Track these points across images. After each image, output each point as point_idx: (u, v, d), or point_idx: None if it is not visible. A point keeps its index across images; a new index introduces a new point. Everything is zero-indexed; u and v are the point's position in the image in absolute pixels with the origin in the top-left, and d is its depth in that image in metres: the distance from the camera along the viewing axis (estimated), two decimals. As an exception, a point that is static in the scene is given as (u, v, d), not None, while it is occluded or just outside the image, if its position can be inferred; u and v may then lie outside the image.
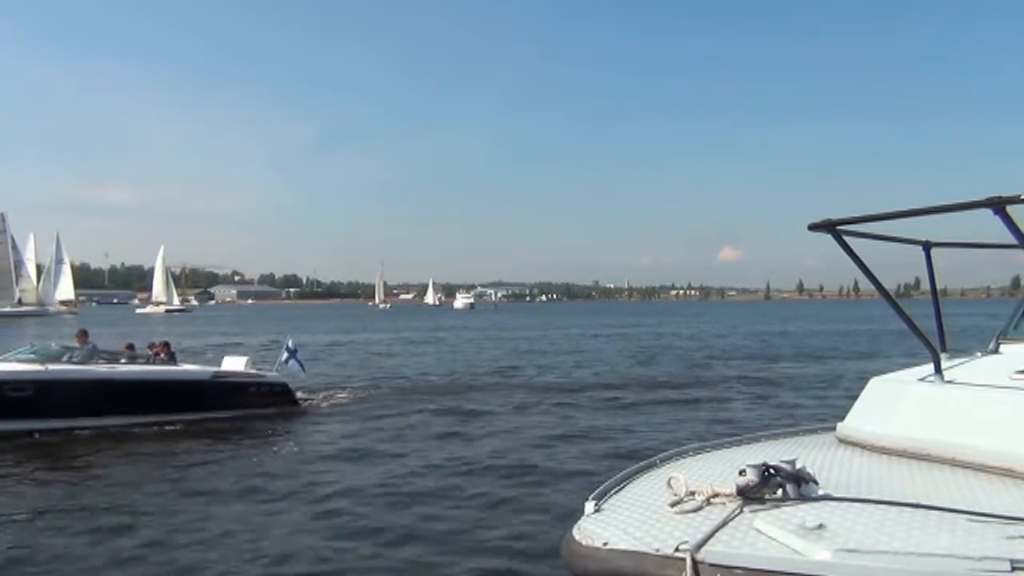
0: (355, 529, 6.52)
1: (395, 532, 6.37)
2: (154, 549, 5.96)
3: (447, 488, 7.91)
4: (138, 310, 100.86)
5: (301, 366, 13.77)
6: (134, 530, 6.43)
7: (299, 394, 14.61)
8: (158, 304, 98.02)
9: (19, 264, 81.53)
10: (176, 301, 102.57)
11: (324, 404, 14.05)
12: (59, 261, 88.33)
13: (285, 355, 13.61)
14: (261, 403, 12.56)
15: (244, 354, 14.41)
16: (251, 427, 11.59)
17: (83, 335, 12.51)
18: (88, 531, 6.39)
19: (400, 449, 10.07)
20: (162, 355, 12.66)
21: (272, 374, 13.27)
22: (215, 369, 12.88)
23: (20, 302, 78.80)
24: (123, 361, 12.05)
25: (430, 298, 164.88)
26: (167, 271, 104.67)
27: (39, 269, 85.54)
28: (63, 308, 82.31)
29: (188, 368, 12.71)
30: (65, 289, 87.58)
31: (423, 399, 14.82)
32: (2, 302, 76.47)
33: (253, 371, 13.01)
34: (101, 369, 11.42)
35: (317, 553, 5.91)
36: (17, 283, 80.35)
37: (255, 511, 7.07)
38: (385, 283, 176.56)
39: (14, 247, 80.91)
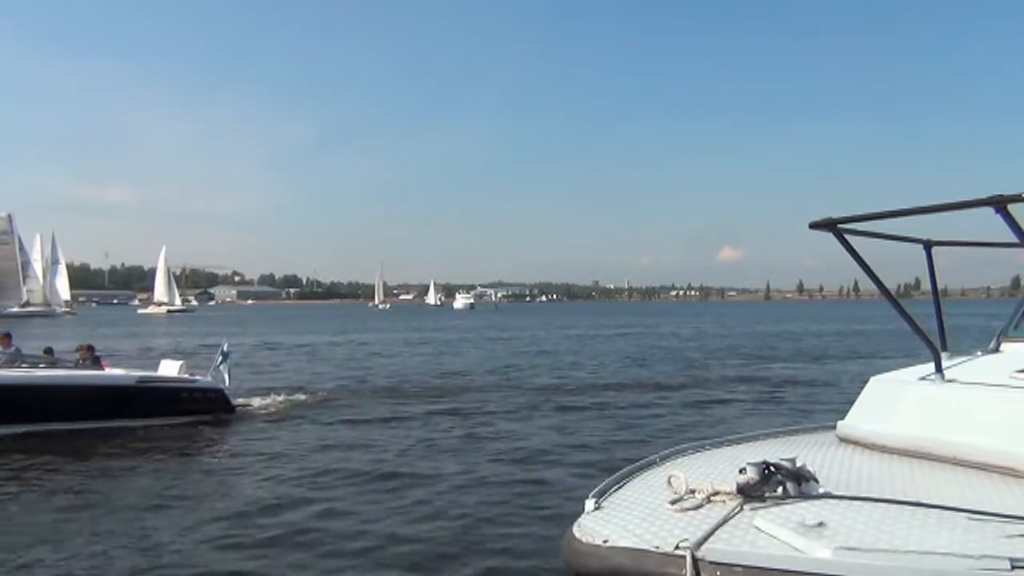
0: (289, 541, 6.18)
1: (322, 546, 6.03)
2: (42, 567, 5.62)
3: (405, 489, 7.75)
4: (140, 310, 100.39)
5: (227, 374, 12.91)
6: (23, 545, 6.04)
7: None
8: (159, 304, 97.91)
9: (26, 264, 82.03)
10: (178, 301, 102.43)
11: (274, 408, 13.38)
12: (55, 261, 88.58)
13: (219, 359, 13.00)
14: (193, 409, 11.95)
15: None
16: (174, 434, 10.98)
17: (5, 338, 11.97)
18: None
19: (347, 455, 9.58)
20: (85, 359, 12.04)
21: (205, 379, 12.60)
22: (140, 374, 12.33)
23: (28, 303, 79.30)
24: (42, 366, 11.53)
25: (431, 298, 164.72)
26: (169, 271, 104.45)
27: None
28: (65, 309, 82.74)
29: (110, 373, 12.08)
30: (61, 289, 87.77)
31: (398, 401, 14.57)
32: (9, 302, 76.85)
33: (185, 376, 12.47)
34: (13, 374, 10.88)
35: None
36: (24, 283, 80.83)
37: (153, 523, 6.68)
38: (385, 283, 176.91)
39: (21, 248, 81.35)
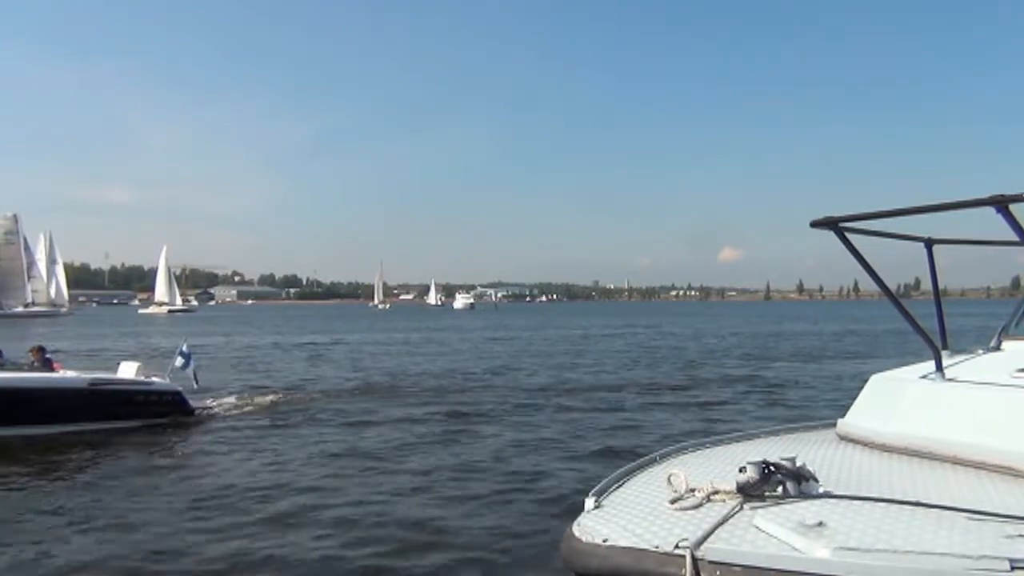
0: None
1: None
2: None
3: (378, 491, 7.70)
4: (140, 311, 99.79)
5: (195, 377, 12.79)
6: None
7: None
8: (160, 304, 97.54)
9: (30, 265, 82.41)
10: (179, 301, 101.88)
11: (241, 410, 12.99)
12: (52, 261, 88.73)
13: (179, 360, 12.74)
14: (149, 413, 11.65)
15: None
16: (125, 439, 10.57)
17: None
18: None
19: (312, 457, 9.40)
20: (35, 362, 11.70)
21: (162, 381, 12.25)
22: (93, 376, 11.90)
23: (33, 303, 79.86)
24: None
25: (432, 298, 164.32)
26: (170, 271, 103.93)
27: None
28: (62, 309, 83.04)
29: (61, 375, 11.68)
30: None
31: (385, 401, 14.47)
32: (14, 302, 77.66)
33: (141, 378, 12.07)
34: None
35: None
36: (29, 283, 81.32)
37: (94, 535, 6.42)
38: (385, 283, 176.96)
39: (26, 248, 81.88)
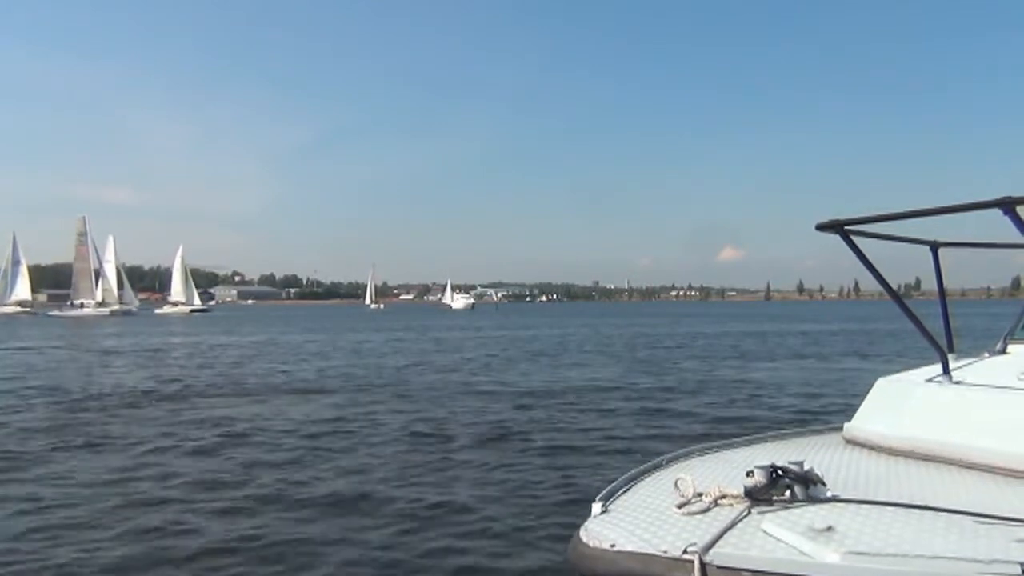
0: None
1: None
2: None
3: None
4: (156, 311, 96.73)
5: None
6: None
7: None
8: (176, 304, 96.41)
9: (100, 266, 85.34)
10: (197, 301, 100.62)
11: None
12: (15, 262, 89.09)
13: None
14: None
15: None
16: None
17: None
18: None
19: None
20: None
21: None
22: None
23: (104, 302, 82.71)
24: None
25: (447, 298, 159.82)
26: (186, 271, 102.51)
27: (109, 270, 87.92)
28: (22, 309, 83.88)
29: None
30: (22, 290, 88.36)
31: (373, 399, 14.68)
32: (77, 302, 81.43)
33: None
34: None
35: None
36: (99, 283, 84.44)
37: None
38: (385, 283, 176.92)
39: (94, 249, 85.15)
